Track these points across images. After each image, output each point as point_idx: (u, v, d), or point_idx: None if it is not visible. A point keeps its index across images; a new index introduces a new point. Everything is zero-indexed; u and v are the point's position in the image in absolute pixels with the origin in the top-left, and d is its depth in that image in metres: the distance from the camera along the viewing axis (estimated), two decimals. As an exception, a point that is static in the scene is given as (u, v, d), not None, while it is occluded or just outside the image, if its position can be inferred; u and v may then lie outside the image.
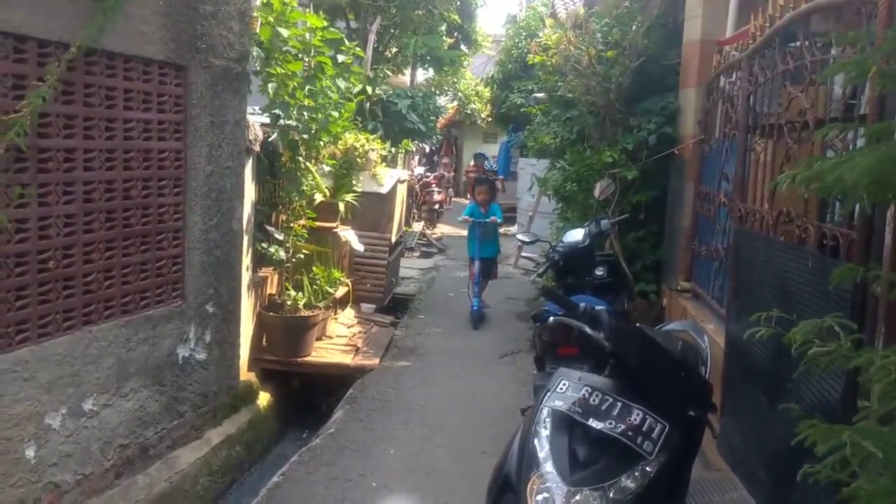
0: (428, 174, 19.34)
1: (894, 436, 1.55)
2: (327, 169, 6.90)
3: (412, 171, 16.55)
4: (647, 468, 2.28)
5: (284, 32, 5.38)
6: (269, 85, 5.40)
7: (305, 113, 5.70)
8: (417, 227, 15.20)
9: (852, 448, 1.51)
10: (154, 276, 3.98)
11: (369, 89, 10.16)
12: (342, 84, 6.25)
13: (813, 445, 1.64)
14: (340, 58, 6.45)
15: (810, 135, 3.19)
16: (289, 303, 6.05)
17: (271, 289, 6.18)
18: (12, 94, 3.05)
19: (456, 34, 15.67)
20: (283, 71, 5.44)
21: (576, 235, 5.36)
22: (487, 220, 8.26)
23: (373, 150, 8.07)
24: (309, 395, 6.25)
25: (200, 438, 4.43)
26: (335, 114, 6.02)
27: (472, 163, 21.38)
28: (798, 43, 3.44)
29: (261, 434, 5.20)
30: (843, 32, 2.69)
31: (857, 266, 2.06)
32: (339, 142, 7.18)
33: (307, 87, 5.74)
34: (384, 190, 8.16)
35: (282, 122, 5.57)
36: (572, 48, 6.71)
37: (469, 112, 23.08)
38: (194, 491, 4.20)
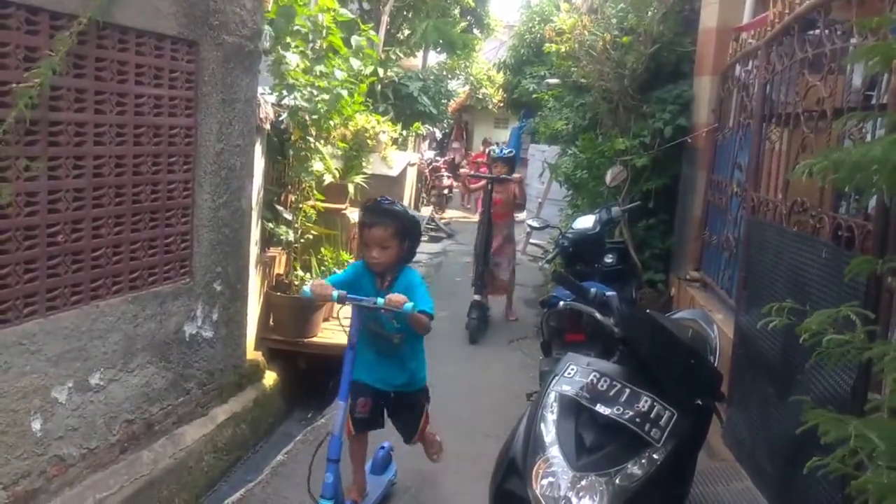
0: (437, 158, 19.29)
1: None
2: (337, 150, 6.88)
3: (422, 155, 16.51)
4: (654, 455, 2.27)
5: (296, 11, 5.35)
6: (279, 64, 5.37)
7: (315, 93, 5.67)
8: (426, 211, 15.17)
9: (857, 440, 1.49)
10: (162, 252, 3.97)
11: (381, 71, 10.12)
12: (355, 64, 6.21)
13: (820, 439, 1.62)
14: (354, 39, 6.41)
15: (828, 124, 3.15)
16: (296, 283, 6.04)
17: (279, 269, 6.18)
18: (24, 67, 3.03)
19: (469, 17, 15.57)
20: (293, 51, 5.42)
21: (586, 222, 5.33)
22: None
23: (383, 132, 8.04)
24: (315, 376, 6.24)
25: (206, 416, 4.44)
26: (344, 93, 5.97)
27: (481, 148, 21.18)
28: (817, 30, 3.39)
29: (266, 413, 5.21)
30: (865, 19, 2.64)
31: (874, 258, 2.03)
32: (350, 123, 7.14)
33: (317, 68, 5.71)
34: (394, 172, 8.15)
35: (290, 101, 5.54)
36: (587, 33, 6.66)
37: (481, 97, 22.99)
38: (199, 467, 4.22)
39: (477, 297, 6.99)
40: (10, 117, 2.93)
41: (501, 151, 7.61)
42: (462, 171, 9.14)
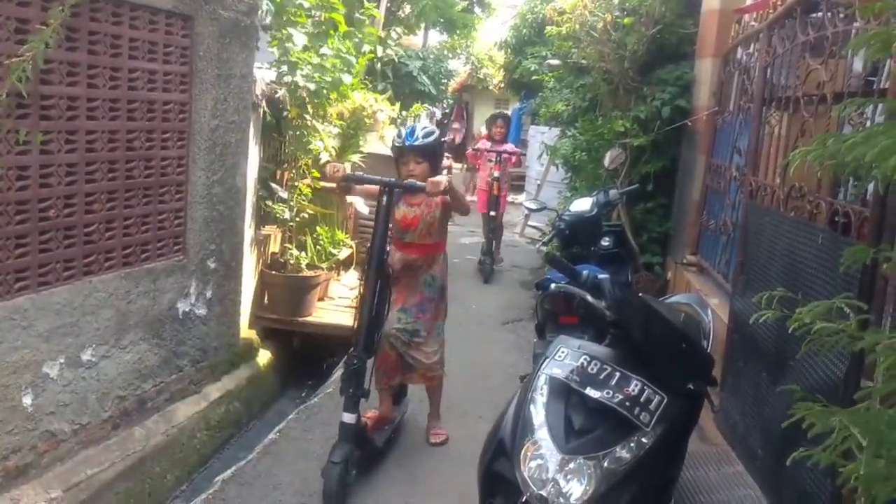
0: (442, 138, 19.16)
1: (885, 420, 1.52)
2: (334, 129, 6.82)
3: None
4: (644, 439, 2.26)
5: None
6: (283, 41, 5.32)
7: (315, 71, 5.62)
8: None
9: (841, 432, 1.49)
10: (156, 229, 3.95)
11: (380, 49, 10.03)
12: (356, 43, 6.16)
13: (811, 425, 1.62)
14: (356, 17, 6.35)
15: (828, 109, 3.12)
16: (291, 262, 6.03)
17: (274, 247, 6.16)
18: (15, 39, 2.99)
19: (470, -3, 15.44)
20: (298, 29, 5.36)
21: (583, 205, 5.30)
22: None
23: (381, 110, 7.98)
24: (309, 355, 6.26)
25: (199, 393, 4.44)
26: (347, 79, 5.92)
27: (482, 130, 20.86)
28: (820, 13, 3.35)
29: (260, 391, 5.22)
30: (868, 3, 2.60)
31: (869, 247, 2.01)
32: (348, 101, 7.09)
33: (317, 45, 5.66)
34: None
35: (288, 78, 5.49)
36: (588, 13, 6.59)
37: (481, 77, 22.81)
38: (191, 444, 4.23)
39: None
40: (1, 91, 2.90)
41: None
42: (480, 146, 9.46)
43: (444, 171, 16.85)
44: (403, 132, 3.94)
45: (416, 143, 3.86)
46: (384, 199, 3.71)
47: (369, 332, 3.67)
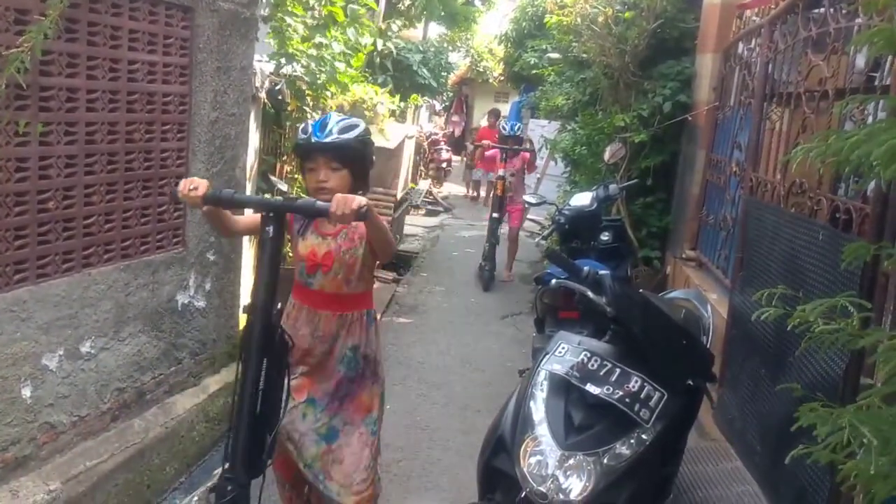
0: (436, 132, 19.14)
1: (888, 419, 1.52)
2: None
3: (420, 128, 16.39)
4: (643, 436, 2.27)
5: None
6: (281, 32, 5.31)
7: (312, 63, 5.61)
8: (424, 184, 15.10)
9: (851, 431, 1.49)
10: (155, 221, 3.94)
11: (380, 42, 10.01)
12: (352, 34, 6.14)
13: (812, 424, 1.62)
14: (351, 8, 6.33)
15: (829, 105, 3.11)
16: (290, 255, 6.02)
17: (274, 240, 6.14)
18: (14, 30, 2.97)
19: (471, -11, 15.41)
20: (291, 20, 5.35)
21: (583, 199, 5.31)
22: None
23: (381, 103, 7.97)
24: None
25: (198, 385, 4.44)
26: (342, 66, 5.91)
27: (482, 122, 20.69)
28: (822, 9, 3.34)
29: (259, 384, 5.21)
30: (871, -1, 2.59)
31: (869, 244, 2.01)
32: (348, 93, 7.08)
33: (316, 37, 5.64)
34: (391, 145, 8.08)
35: (288, 70, 5.48)
36: (589, 7, 6.57)
37: (481, 70, 22.79)
38: (190, 436, 4.23)
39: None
40: (0, 82, 2.88)
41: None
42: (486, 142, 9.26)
43: (445, 164, 16.31)
44: (310, 125, 2.76)
45: (329, 139, 2.66)
46: (270, 228, 2.39)
47: (252, 440, 2.35)
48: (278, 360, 2.45)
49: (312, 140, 2.67)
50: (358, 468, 2.73)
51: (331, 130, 2.67)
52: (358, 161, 2.74)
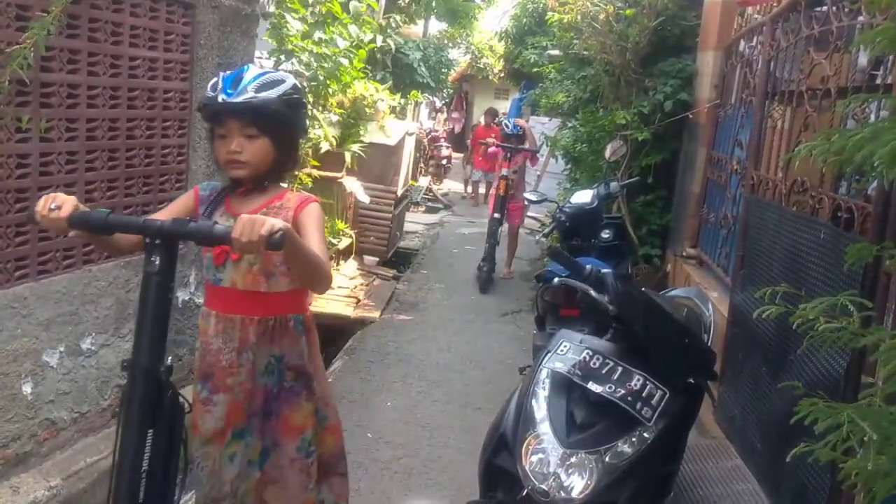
0: (436, 128, 19.13)
1: (889, 417, 1.52)
2: (334, 118, 6.81)
3: (421, 125, 16.37)
4: (645, 434, 2.27)
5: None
6: (279, 28, 5.30)
7: (313, 60, 5.60)
8: (424, 181, 15.09)
9: (850, 426, 1.49)
10: (156, 218, 3.94)
11: (380, 39, 9.99)
12: (353, 31, 6.14)
13: (812, 421, 1.62)
14: (352, 5, 6.32)
15: (831, 103, 3.11)
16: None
17: (274, 236, 6.13)
18: (16, 26, 2.97)
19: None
20: (293, 17, 5.35)
21: (584, 197, 5.31)
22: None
23: (382, 100, 7.96)
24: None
25: (198, 382, 4.44)
26: (345, 62, 5.91)
27: (481, 120, 20.67)
28: (824, 7, 3.34)
29: (259, 380, 5.20)
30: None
31: (871, 245, 2.01)
32: (348, 90, 7.07)
33: (316, 34, 5.64)
34: (392, 142, 8.07)
35: (288, 66, 5.47)
36: (590, 4, 6.56)
37: (481, 66, 22.78)
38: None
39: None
40: (3, 78, 2.88)
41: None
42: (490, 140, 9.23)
43: (445, 161, 16.37)
44: (221, 79, 2.13)
45: (242, 98, 2.06)
46: (156, 260, 1.83)
47: None
48: (169, 432, 1.93)
49: (220, 99, 2.07)
50: (297, 498, 2.35)
51: (245, 87, 2.07)
52: (282, 127, 2.16)
